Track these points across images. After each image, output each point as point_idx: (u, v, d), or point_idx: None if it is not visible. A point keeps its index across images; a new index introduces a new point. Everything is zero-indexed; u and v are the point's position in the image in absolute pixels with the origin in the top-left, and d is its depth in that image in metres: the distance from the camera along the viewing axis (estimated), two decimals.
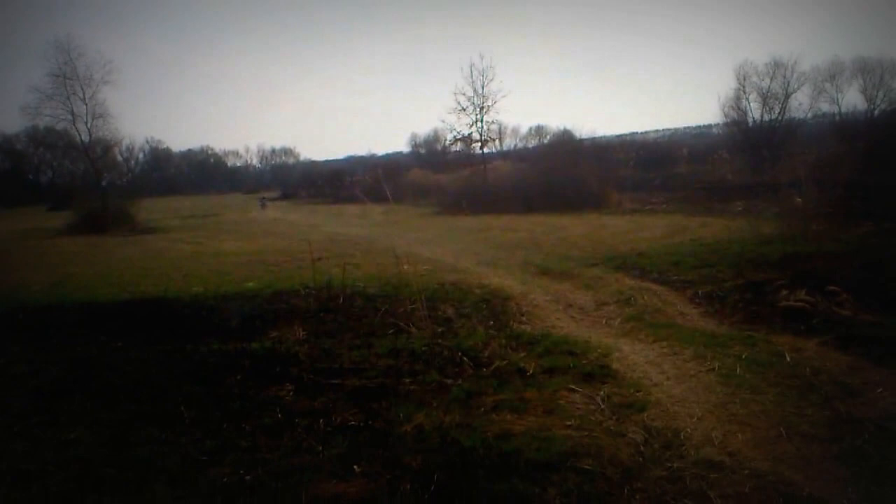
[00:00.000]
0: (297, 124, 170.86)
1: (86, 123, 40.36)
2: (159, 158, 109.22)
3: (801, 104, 45.62)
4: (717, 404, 6.35)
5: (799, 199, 17.74)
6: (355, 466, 5.30)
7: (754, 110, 45.74)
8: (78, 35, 75.41)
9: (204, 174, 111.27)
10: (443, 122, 75.71)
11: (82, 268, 18.51)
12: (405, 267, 12.61)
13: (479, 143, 45.19)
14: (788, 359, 7.42)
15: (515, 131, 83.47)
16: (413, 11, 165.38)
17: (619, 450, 5.43)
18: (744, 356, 7.57)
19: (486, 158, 46.41)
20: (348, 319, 10.45)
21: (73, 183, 58.20)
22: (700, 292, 11.31)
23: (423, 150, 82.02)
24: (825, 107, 48.75)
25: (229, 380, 7.59)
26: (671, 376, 7.29)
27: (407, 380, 7.40)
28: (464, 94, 42.41)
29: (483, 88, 42.07)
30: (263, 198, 61.78)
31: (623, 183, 38.41)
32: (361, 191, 43.76)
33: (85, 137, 41.11)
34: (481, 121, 43.03)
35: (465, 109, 42.63)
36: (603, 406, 6.40)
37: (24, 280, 16.09)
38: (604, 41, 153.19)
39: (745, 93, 45.50)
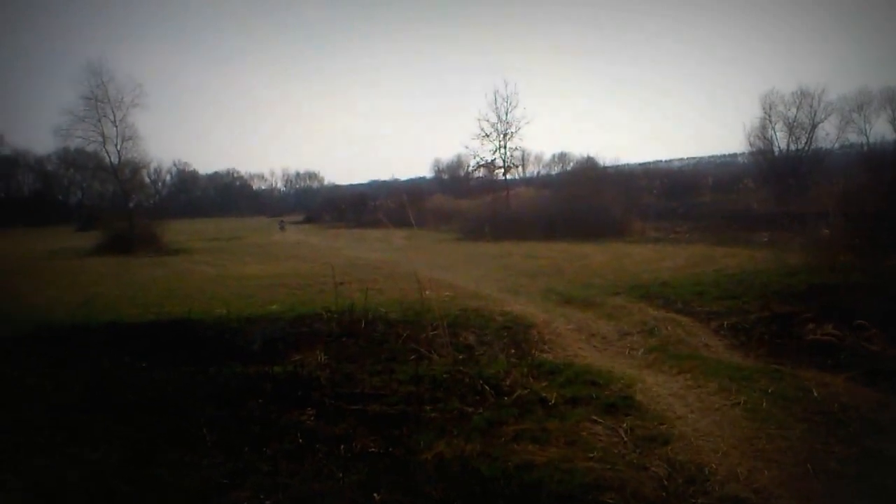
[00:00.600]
0: (322, 149, 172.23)
1: (115, 145, 41.22)
2: (186, 181, 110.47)
3: (829, 134, 45.36)
4: (742, 439, 6.25)
5: (826, 231, 17.61)
6: (375, 494, 5.26)
7: (780, 140, 45.55)
8: (109, 59, 76.81)
9: (229, 197, 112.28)
10: (466, 147, 75.64)
11: (108, 288, 18.69)
12: (427, 292, 12.59)
13: (502, 170, 45.32)
14: (816, 394, 7.29)
15: (539, 158, 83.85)
16: (437, 38, 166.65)
17: (642, 484, 5.35)
18: (770, 390, 7.45)
19: (508, 185, 46.51)
20: (370, 344, 10.45)
21: (101, 204, 59.06)
22: (725, 324, 11.18)
23: (446, 176, 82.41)
24: (853, 137, 48.58)
25: (251, 403, 7.59)
26: (695, 409, 7.19)
27: (428, 407, 7.35)
28: (487, 121, 42.70)
29: (506, 115, 42.33)
30: (282, 220, 62.64)
31: (646, 211, 38.31)
32: (384, 215, 43.84)
33: (114, 159, 42.01)
34: (504, 147, 43.19)
35: (488, 135, 42.86)
36: (626, 438, 6.32)
37: (53, 299, 16.26)
38: (628, 69, 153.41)
39: (770, 122, 45.33)
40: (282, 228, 55.53)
